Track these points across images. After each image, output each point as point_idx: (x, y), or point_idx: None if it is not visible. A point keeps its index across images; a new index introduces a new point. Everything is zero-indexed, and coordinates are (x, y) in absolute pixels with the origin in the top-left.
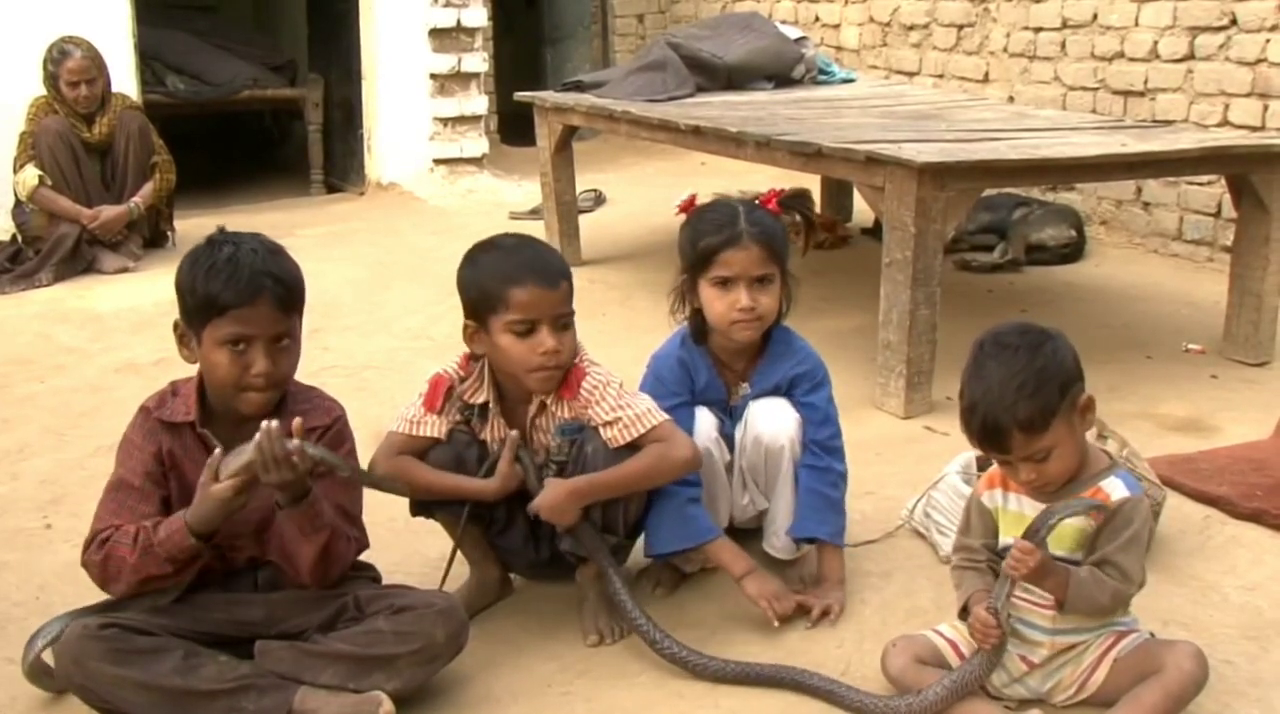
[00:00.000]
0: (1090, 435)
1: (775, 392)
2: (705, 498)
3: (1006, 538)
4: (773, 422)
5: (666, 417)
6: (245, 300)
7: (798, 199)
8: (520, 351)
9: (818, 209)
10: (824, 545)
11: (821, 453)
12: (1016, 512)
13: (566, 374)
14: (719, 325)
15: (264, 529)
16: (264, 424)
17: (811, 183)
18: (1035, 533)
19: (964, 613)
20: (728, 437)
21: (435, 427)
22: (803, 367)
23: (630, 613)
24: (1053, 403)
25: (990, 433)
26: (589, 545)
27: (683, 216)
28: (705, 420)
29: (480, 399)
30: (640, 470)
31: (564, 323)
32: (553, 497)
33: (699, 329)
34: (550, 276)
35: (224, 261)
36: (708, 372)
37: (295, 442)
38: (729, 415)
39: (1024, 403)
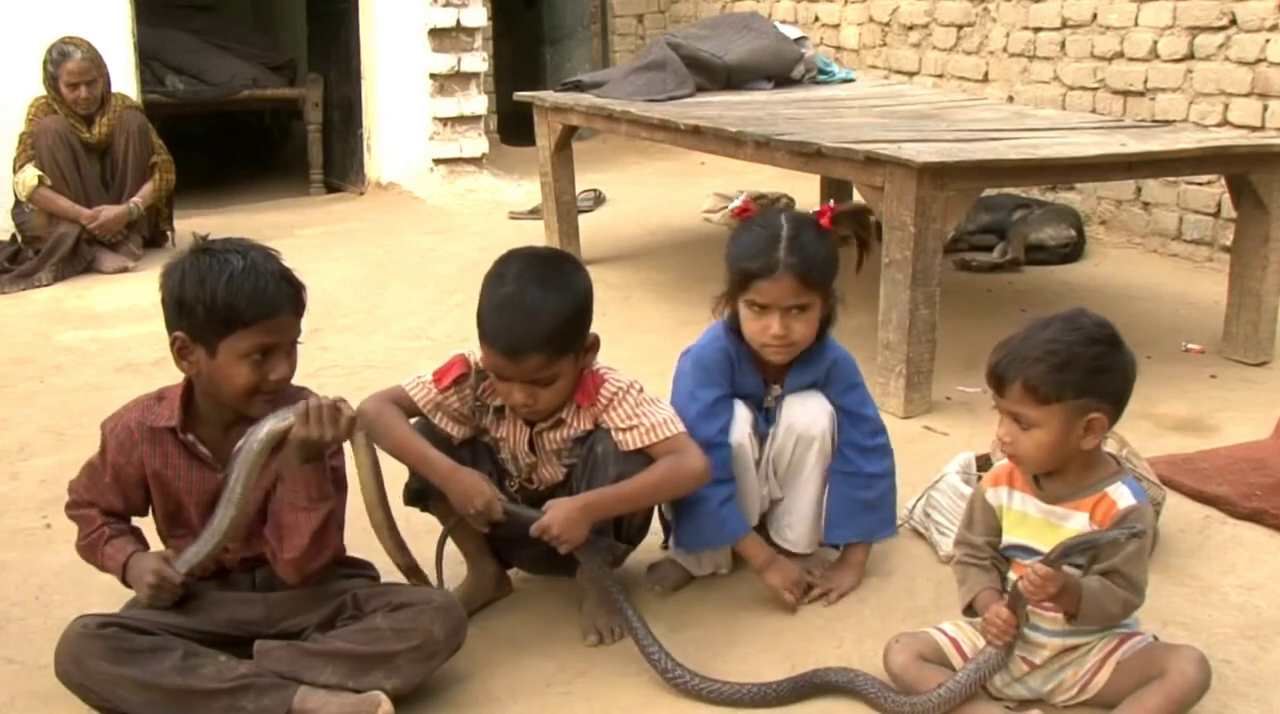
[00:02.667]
0: None
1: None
2: (737, 495)
3: (1010, 536)
4: (808, 413)
5: (682, 429)
6: (272, 311)
7: (853, 216)
8: (501, 391)
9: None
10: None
11: (853, 456)
12: (1021, 511)
13: (582, 382)
14: (752, 344)
15: (254, 532)
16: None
17: (811, 183)
18: (1056, 560)
19: (969, 609)
20: (760, 436)
21: (430, 400)
22: (834, 369)
23: (642, 640)
24: (1064, 390)
25: (998, 371)
26: (595, 574)
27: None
28: (742, 416)
29: (498, 401)
30: (652, 482)
31: (542, 381)
32: (564, 513)
33: (739, 327)
34: (514, 350)
35: (242, 273)
36: (749, 367)
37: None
38: (763, 414)
39: (1041, 367)
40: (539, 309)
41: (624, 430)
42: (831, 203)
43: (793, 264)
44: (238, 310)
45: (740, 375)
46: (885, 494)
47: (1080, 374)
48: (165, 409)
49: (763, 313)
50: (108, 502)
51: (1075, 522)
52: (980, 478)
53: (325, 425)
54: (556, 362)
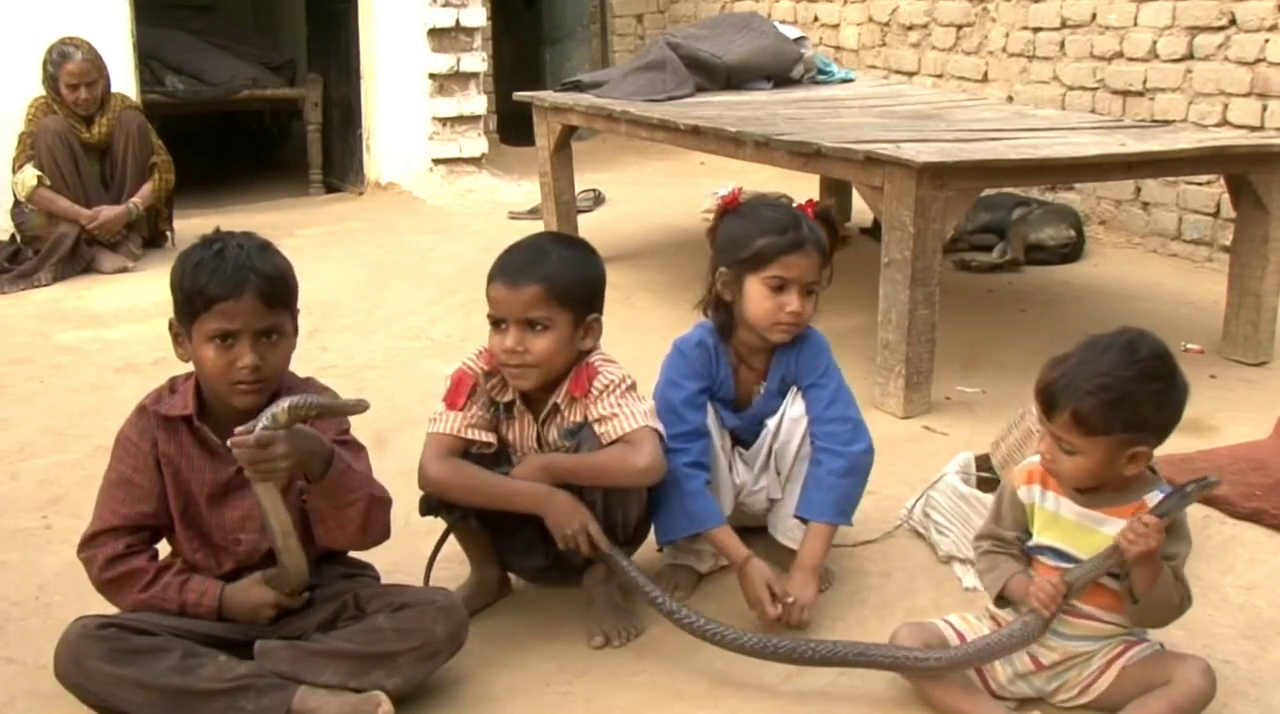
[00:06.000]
0: None
1: (784, 382)
2: (712, 485)
3: (1040, 537)
4: (801, 407)
5: (649, 425)
6: (229, 294)
7: (829, 212)
8: (494, 345)
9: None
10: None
11: (839, 432)
12: (1053, 512)
13: (577, 372)
14: (760, 324)
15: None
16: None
17: (811, 183)
18: (1165, 514)
19: (1000, 599)
20: (728, 430)
21: (459, 423)
22: (807, 356)
23: (639, 582)
24: (1113, 425)
25: (1049, 396)
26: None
27: (714, 210)
28: (710, 411)
29: (507, 397)
30: (598, 465)
31: (536, 323)
32: (527, 467)
33: (725, 325)
34: (515, 278)
35: (210, 257)
36: (725, 370)
37: (283, 405)
38: (736, 415)
39: (1093, 400)
40: (549, 251)
41: (602, 420)
42: (809, 198)
43: (816, 241)
44: (199, 291)
45: (717, 376)
46: (841, 480)
47: (1132, 411)
48: (179, 399)
49: (780, 291)
50: (141, 512)
51: (1111, 528)
52: (979, 478)
53: (275, 464)
54: (553, 304)
